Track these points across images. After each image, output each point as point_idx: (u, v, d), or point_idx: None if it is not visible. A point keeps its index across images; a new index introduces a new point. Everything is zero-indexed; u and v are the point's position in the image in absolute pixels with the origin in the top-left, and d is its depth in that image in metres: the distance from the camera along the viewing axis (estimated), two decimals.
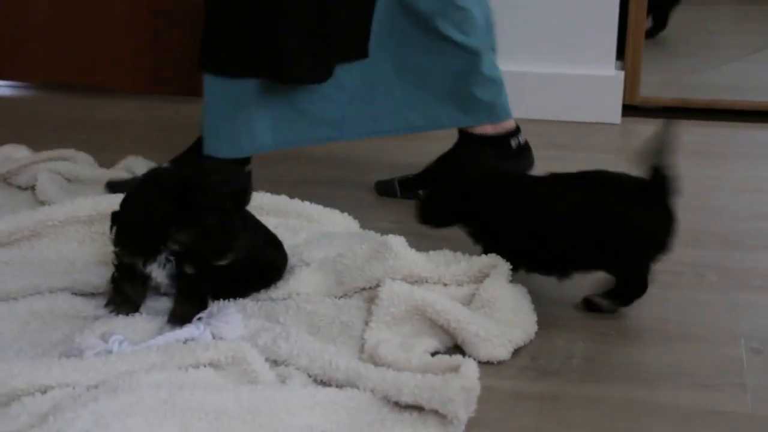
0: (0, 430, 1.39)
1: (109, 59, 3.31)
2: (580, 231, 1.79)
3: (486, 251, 1.88)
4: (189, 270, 1.73)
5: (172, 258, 1.71)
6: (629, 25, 3.10)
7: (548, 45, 3.07)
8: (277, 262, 1.87)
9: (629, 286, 1.84)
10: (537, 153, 2.47)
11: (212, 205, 1.65)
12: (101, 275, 1.85)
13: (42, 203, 2.25)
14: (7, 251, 1.97)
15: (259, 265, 1.83)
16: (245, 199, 1.71)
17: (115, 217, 1.73)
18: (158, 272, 1.73)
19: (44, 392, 1.48)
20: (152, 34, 3.27)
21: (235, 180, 1.81)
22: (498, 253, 1.85)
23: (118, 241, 1.73)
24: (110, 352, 1.60)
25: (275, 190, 2.24)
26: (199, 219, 1.65)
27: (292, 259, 1.92)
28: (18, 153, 2.55)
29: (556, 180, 1.88)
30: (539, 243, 1.83)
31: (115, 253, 1.76)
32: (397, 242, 1.84)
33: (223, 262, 1.69)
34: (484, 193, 1.88)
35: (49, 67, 3.35)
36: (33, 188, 2.35)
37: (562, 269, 1.85)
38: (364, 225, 2.18)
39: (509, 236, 1.86)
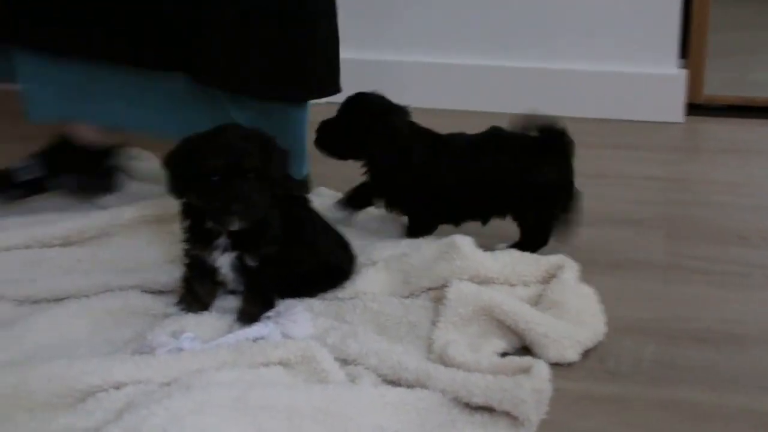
0: (77, 425, 1.40)
1: None
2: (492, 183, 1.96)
3: (390, 203, 2.03)
4: (250, 262, 1.74)
5: (229, 245, 1.73)
6: (692, 23, 3.07)
7: (609, 43, 3.04)
8: (344, 264, 1.87)
9: (532, 234, 1.98)
10: (600, 152, 2.45)
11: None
12: (170, 273, 1.87)
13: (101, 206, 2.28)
14: (78, 250, 2.00)
15: (327, 266, 1.83)
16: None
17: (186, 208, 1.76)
18: (222, 262, 1.75)
19: (118, 389, 1.51)
20: None
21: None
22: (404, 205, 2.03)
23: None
24: (181, 349, 1.61)
25: (342, 189, 2.25)
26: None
27: (360, 259, 1.92)
28: None
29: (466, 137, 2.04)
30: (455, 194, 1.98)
31: (185, 249, 1.77)
32: (465, 242, 1.84)
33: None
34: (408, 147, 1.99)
35: None
36: None
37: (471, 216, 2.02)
38: None
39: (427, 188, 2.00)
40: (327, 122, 2.03)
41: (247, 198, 1.66)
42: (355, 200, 2.11)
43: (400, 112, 2.02)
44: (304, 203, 1.84)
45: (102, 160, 2.32)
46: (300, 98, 2.16)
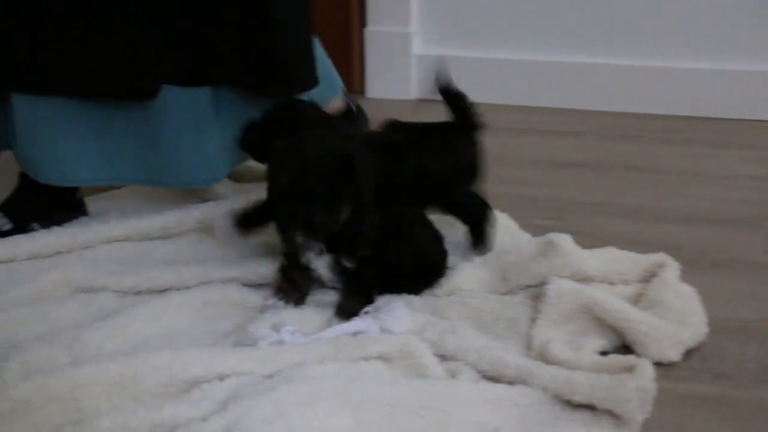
0: (183, 415, 1.43)
1: None
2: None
3: None
4: (347, 263, 1.75)
5: (323, 247, 1.74)
6: None
7: (723, 40, 2.98)
8: (441, 259, 1.87)
9: (472, 220, 1.95)
10: (709, 152, 2.40)
11: None
12: (268, 265, 1.89)
13: (206, 200, 2.31)
14: (177, 242, 2.04)
15: (425, 261, 1.84)
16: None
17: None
18: (318, 264, 1.76)
19: (221, 380, 1.53)
20: None
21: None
22: None
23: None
24: (282, 342, 1.63)
25: None
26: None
27: (453, 255, 1.92)
28: None
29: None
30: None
31: (282, 238, 1.79)
32: (564, 240, 1.83)
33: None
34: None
35: None
36: None
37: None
38: (521, 224, 2.16)
39: None
40: (254, 125, 1.98)
41: (309, 221, 1.65)
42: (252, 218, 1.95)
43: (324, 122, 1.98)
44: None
45: (70, 191, 2.15)
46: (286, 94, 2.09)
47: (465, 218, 1.97)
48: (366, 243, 1.74)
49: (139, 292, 1.85)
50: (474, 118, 2.01)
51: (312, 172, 1.64)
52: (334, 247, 1.75)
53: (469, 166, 1.98)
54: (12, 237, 2.02)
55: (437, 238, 1.88)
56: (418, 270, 1.83)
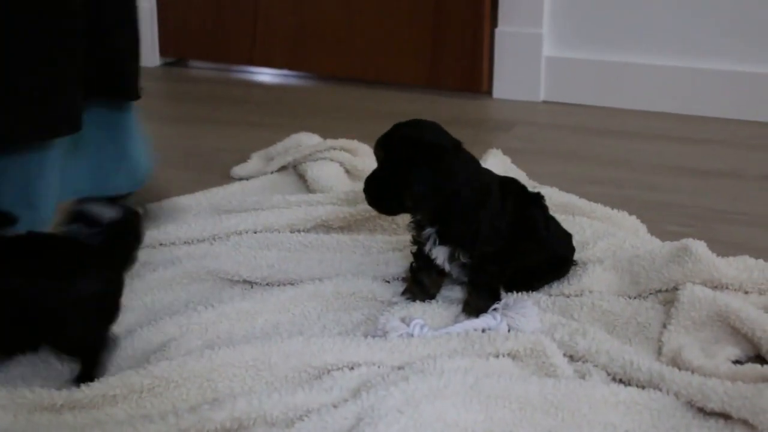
0: (316, 400, 1.46)
1: (391, 53, 3.40)
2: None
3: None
4: (463, 259, 1.75)
5: (436, 237, 1.75)
6: None
7: None
8: (569, 255, 1.86)
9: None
10: None
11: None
12: (397, 263, 1.92)
13: (314, 192, 2.35)
14: (306, 236, 2.08)
15: (554, 257, 1.83)
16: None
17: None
18: (437, 254, 1.77)
19: (352, 369, 1.56)
20: (433, 29, 3.33)
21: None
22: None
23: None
24: (411, 335, 1.65)
25: (563, 188, 2.25)
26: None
27: (581, 255, 1.91)
28: (310, 140, 2.65)
29: None
30: None
31: (412, 237, 1.81)
32: (698, 246, 1.80)
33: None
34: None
35: (336, 61, 3.49)
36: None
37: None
38: (653, 229, 2.13)
39: None
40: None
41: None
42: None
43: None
44: (537, 200, 1.84)
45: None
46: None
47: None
48: (484, 240, 1.74)
49: (269, 284, 1.89)
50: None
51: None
52: (446, 239, 1.75)
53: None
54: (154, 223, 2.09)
55: (566, 236, 1.87)
56: (546, 265, 1.82)
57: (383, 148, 1.71)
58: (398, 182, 1.68)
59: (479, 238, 1.72)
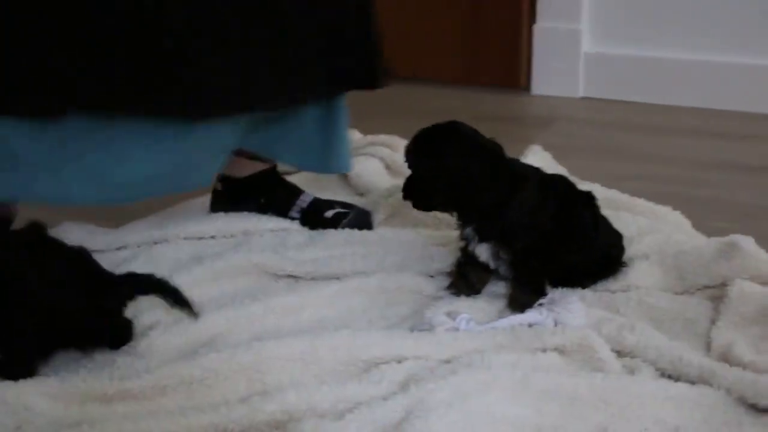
0: (365, 393, 1.46)
1: (428, 49, 3.40)
2: None
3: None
4: (503, 255, 1.75)
5: (474, 233, 1.76)
6: None
7: None
8: (619, 255, 1.85)
9: None
10: None
11: None
12: (441, 258, 1.92)
13: (355, 187, 2.36)
14: (350, 232, 2.07)
15: (604, 257, 1.82)
16: None
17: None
18: (480, 251, 1.77)
19: (399, 362, 1.56)
20: (471, 25, 3.33)
21: None
22: None
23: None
24: (458, 329, 1.65)
25: (606, 184, 2.24)
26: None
27: (626, 251, 1.90)
28: (350, 136, 2.64)
29: None
30: None
31: (460, 234, 1.81)
32: (746, 242, 1.79)
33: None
34: None
35: None
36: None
37: None
38: (699, 225, 2.11)
39: None
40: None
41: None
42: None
43: None
44: (587, 199, 1.83)
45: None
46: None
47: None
48: (520, 235, 1.73)
49: (314, 278, 1.89)
50: None
51: None
52: (483, 234, 1.75)
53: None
54: (200, 216, 2.10)
55: (616, 236, 1.86)
56: (595, 265, 1.81)
57: (413, 150, 1.77)
58: (428, 183, 1.74)
59: (514, 234, 1.73)
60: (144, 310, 1.72)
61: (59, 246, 1.67)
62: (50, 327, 1.55)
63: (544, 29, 3.20)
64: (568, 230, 1.77)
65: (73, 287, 1.60)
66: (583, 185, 2.19)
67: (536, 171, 1.81)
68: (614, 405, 1.44)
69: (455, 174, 1.70)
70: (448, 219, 1.87)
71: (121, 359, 1.58)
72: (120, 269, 1.82)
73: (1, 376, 1.50)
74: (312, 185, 2.39)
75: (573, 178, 2.29)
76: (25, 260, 1.55)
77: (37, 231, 1.65)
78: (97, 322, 1.61)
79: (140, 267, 1.86)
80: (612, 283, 1.82)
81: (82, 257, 1.67)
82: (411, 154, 1.77)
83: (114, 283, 1.70)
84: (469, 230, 1.77)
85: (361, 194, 2.31)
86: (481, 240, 1.76)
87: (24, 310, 1.52)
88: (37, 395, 1.45)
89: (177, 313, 1.72)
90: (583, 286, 1.82)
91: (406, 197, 1.79)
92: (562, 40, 3.18)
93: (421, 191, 1.77)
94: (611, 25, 3.15)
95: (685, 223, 2.13)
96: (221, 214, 2.11)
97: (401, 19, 3.41)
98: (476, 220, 1.76)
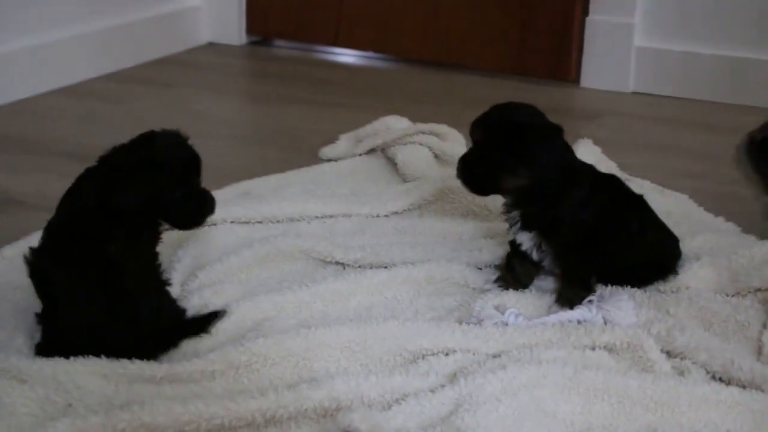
0: (412, 384, 1.46)
1: (478, 39, 3.38)
2: None
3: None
4: (545, 246, 1.73)
5: (518, 220, 1.74)
6: None
7: None
8: (673, 258, 1.83)
9: None
10: None
11: None
12: (490, 251, 1.91)
13: (404, 176, 2.34)
14: (398, 221, 2.08)
15: (656, 260, 1.81)
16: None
17: None
18: (522, 239, 1.76)
19: (447, 354, 1.55)
20: (521, 16, 3.30)
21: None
22: None
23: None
24: (506, 324, 1.64)
25: (655, 181, 2.22)
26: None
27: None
28: (399, 124, 2.64)
29: None
30: None
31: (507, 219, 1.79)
32: None
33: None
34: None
35: (421, 45, 3.47)
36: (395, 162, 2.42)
37: None
38: (749, 228, 2.08)
39: None
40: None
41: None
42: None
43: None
44: (638, 202, 1.81)
45: None
46: None
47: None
48: (564, 229, 1.72)
49: (361, 266, 1.89)
50: None
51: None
52: (527, 223, 1.74)
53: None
54: (248, 200, 2.11)
55: (671, 240, 1.84)
56: (647, 267, 1.80)
57: (481, 128, 1.71)
58: (494, 163, 1.69)
59: (559, 227, 1.71)
60: (194, 292, 1.73)
61: None
62: None
63: (597, 22, 3.17)
64: (610, 232, 1.75)
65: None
66: (632, 182, 2.18)
67: (590, 167, 1.79)
68: (665, 406, 1.43)
69: (524, 156, 1.67)
70: (498, 210, 1.86)
71: None
72: (169, 251, 1.82)
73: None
74: (358, 173, 2.40)
75: (622, 174, 2.28)
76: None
77: None
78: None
79: (189, 249, 1.87)
80: (662, 283, 1.80)
81: None
82: (480, 128, 1.71)
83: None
84: (514, 215, 1.75)
85: (409, 181, 2.30)
86: (524, 228, 1.75)
87: None
88: (87, 374, 1.46)
89: (225, 296, 1.73)
90: (635, 286, 1.79)
91: (461, 177, 1.74)
92: (614, 33, 3.15)
93: (479, 171, 1.72)
94: (664, 20, 3.11)
95: (733, 227, 2.10)
96: (269, 200, 2.11)
97: (453, 7, 3.39)
98: (524, 206, 1.73)
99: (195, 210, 1.60)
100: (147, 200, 1.52)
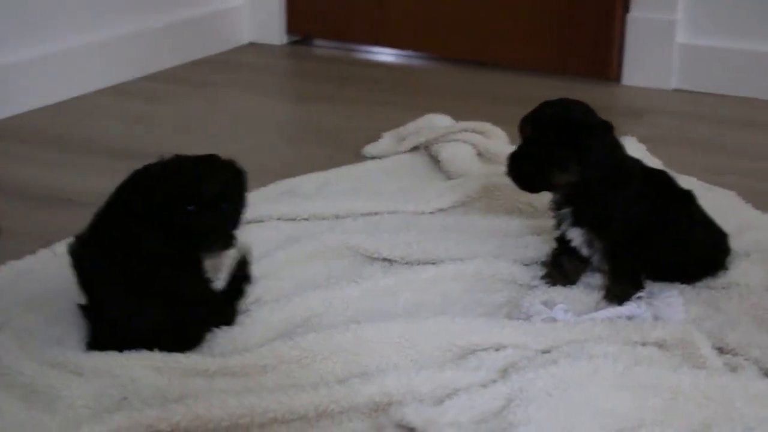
0: (463, 379, 1.46)
1: (519, 37, 3.37)
2: None
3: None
4: (596, 242, 1.73)
5: (571, 217, 1.74)
6: None
7: None
8: (722, 256, 1.82)
9: None
10: None
11: None
12: (536, 247, 1.91)
13: (447, 173, 2.35)
14: (444, 218, 2.08)
15: (699, 259, 1.80)
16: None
17: None
18: (572, 235, 1.75)
19: (497, 350, 1.56)
20: (562, 14, 3.29)
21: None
22: None
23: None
24: (555, 319, 1.64)
25: (701, 178, 2.21)
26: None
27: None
28: (442, 122, 2.65)
29: None
30: None
31: (555, 224, 1.79)
32: None
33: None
34: None
35: (462, 44, 3.47)
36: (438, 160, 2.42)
37: None
38: None
39: None
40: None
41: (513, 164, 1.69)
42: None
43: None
44: (686, 199, 1.80)
45: None
46: None
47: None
48: (616, 225, 1.71)
49: (408, 262, 1.89)
50: None
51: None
52: (580, 219, 1.73)
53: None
54: (293, 198, 2.12)
55: (720, 236, 1.83)
56: (699, 265, 1.79)
57: (532, 124, 1.71)
58: (545, 159, 1.69)
59: (611, 222, 1.71)
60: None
61: None
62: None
63: (638, 19, 3.15)
64: (660, 227, 1.74)
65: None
66: (678, 179, 2.17)
67: (639, 163, 1.78)
68: (718, 402, 1.42)
69: (576, 152, 1.66)
70: (544, 207, 1.86)
71: (222, 335, 1.60)
72: None
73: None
74: (402, 171, 2.40)
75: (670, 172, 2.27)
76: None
77: None
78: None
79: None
80: (712, 280, 1.79)
81: None
82: (530, 125, 1.71)
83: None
84: (565, 212, 1.75)
85: (452, 179, 2.30)
86: (575, 224, 1.74)
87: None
88: (141, 368, 1.47)
89: (276, 291, 1.74)
90: (684, 283, 1.79)
91: (512, 174, 1.73)
92: (656, 30, 3.13)
93: (530, 168, 1.71)
94: (707, 16, 3.09)
95: None
96: (314, 197, 2.12)
97: (494, 6, 3.39)
98: (575, 202, 1.73)
99: (202, 236, 1.59)
100: (156, 212, 1.54)
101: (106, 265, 1.54)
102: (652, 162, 2.35)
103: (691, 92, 3.13)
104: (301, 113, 3.09)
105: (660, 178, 1.81)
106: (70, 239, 1.59)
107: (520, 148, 1.73)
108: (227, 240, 1.61)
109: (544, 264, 1.86)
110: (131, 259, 1.54)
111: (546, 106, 1.71)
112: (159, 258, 1.55)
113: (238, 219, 1.61)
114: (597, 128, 1.68)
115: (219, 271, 1.75)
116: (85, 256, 1.56)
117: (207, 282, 1.63)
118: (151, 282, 1.54)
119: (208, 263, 1.66)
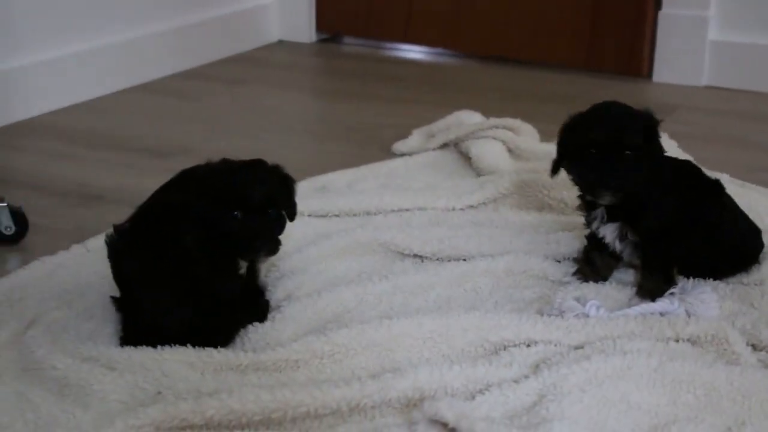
0: (495, 374, 1.46)
1: (549, 34, 3.36)
2: None
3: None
4: (631, 237, 1.72)
5: (605, 214, 1.73)
6: None
7: None
8: (755, 250, 1.81)
9: None
10: None
11: None
12: (567, 243, 1.90)
13: (478, 170, 2.34)
14: (475, 214, 2.08)
15: (731, 252, 1.78)
16: None
17: None
18: (605, 232, 1.74)
19: (529, 346, 1.55)
20: (593, 10, 3.28)
21: None
22: None
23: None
24: (587, 316, 1.63)
25: (734, 175, 2.20)
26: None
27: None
28: (471, 118, 2.64)
29: None
30: None
31: (585, 219, 1.78)
32: None
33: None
34: None
35: (491, 40, 3.47)
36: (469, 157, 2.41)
37: None
38: None
39: None
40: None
41: (619, 174, 1.64)
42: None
43: None
44: (715, 189, 1.79)
45: None
46: None
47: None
48: (650, 216, 1.70)
49: (440, 258, 1.89)
50: None
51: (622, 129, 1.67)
52: (615, 215, 1.72)
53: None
54: (324, 194, 2.12)
55: (753, 231, 1.81)
56: (728, 258, 1.77)
57: (612, 131, 1.66)
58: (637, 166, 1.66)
59: (644, 215, 1.70)
60: (275, 283, 1.75)
61: None
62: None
63: (670, 16, 3.14)
64: (691, 222, 1.73)
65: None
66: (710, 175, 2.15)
67: (666, 155, 1.77)
68: (753, 399, 1.41)
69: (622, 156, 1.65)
70: (575, 203, 1.85)
71: (254, 331, 1.60)
72: None
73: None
74: (431, 167, 2.40)
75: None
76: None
77: None
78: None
79: None
80: (745, 276, 1.78)
81: None
82: (608, 131, 1.66)
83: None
84: (598, 211, 1.74)
85: (483, 175, 2.30)
86: (609, 219, 1.73)
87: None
88: (175, 363, 1.48)
89: (307, 287, 1.74)
90: (716, 278, 1.77)
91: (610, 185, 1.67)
92: (687, 27, 3.11)
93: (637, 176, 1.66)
94: (740, 12, 3.07)
95: None
96: (344, 194, 2.12)
97: (523, 2, 3.38)
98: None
99: (248, 242, 1.58)
100: (201, 215, 1.55)
101: (143, 260, 1.55)
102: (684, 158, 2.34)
103: (723, 89, 3.11)
104: (330, 110, 3.10)
105: (689, 170, 1.80)
106: (108, 231, 1.60)
107: (611, 157, 1.66)
108: (273, 246, 1.61)
109: (575, 260, 1.85)
110: (169, 257, 1.54)
111: (611, 108, 1.70)
112: (197, 258, 1.55)
113: (283, 225, 1.61)
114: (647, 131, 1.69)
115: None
116: (123, 249, 1.57)
117: (241, 280, 1.64)
118: (187, 281, 1.54)
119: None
